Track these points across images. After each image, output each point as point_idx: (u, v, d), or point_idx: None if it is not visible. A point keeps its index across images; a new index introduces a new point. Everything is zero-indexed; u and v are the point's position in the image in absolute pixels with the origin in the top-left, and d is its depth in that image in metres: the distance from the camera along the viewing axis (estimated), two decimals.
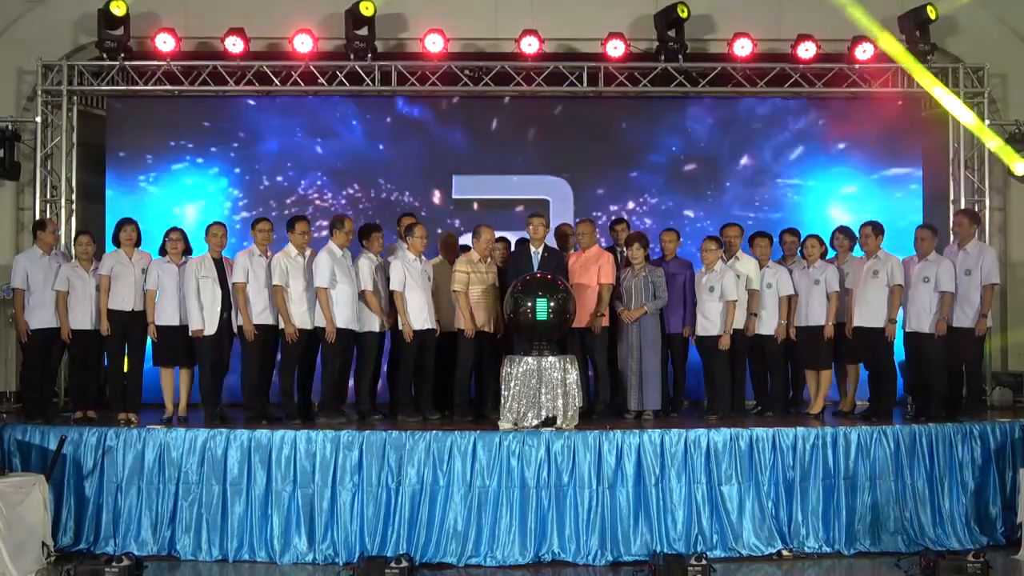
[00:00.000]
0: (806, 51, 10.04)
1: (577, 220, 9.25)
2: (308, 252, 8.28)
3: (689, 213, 10.58)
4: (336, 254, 8.20)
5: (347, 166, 10.55)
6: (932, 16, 9.83)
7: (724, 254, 8.72)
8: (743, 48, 10.01)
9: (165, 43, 9.85)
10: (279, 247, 8.37)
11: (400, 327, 8.31)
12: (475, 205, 10.50)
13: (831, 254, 8.88)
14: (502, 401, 7.70)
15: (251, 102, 10.53)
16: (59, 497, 7.37)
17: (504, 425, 7.61)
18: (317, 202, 10.46)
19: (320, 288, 8.04)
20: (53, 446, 7.41)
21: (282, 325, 8.11)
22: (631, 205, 10.51)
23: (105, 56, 9.95)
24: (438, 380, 8.57)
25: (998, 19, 10.48)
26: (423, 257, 8.51)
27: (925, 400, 8.39)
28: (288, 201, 10.44)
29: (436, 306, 8.46)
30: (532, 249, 8.57)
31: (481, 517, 7.28)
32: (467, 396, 8.47)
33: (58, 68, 9.98)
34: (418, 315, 8.31)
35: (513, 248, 9.14)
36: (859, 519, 7.50)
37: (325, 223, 9.79)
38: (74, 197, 10.13)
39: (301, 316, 8.11)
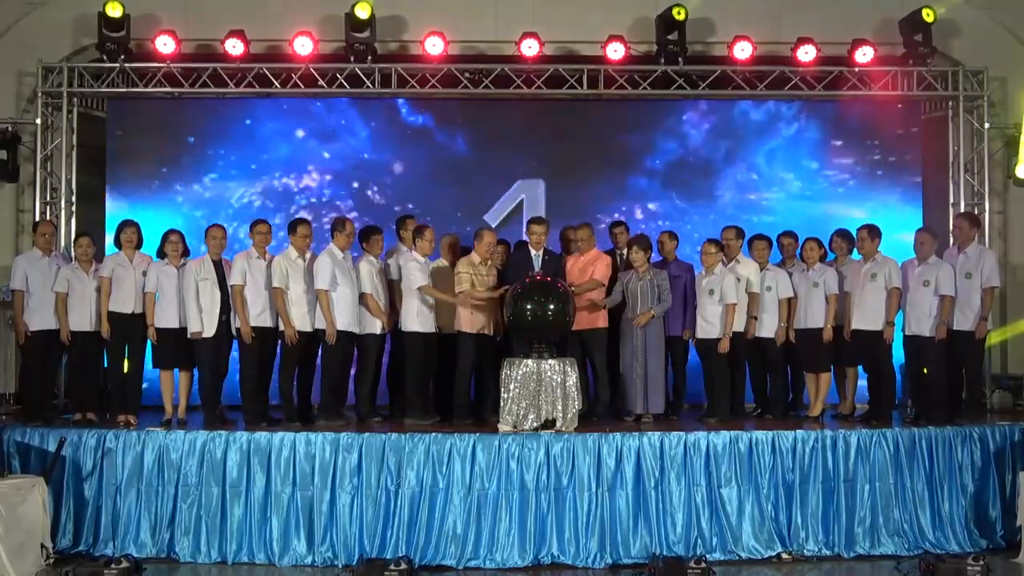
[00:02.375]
0: (806, 54, 10.04)
1: (576, 224, 9.23)
2: (308, 255, 8.28)
3: (687, 216, 10.59)
4: (337, 256, 8.20)
5: (346, 168, 10.55)
6: (928, 19, 9.83)
7: (724, 257, 8.72)
8: (743, 51, 10.02)
9: (165, 45, 9.86)
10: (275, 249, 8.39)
11: (399, 323, 8.29)
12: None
13: (830, 257, 8.88)
14: (501, 403, 7.71)
15: (252, 104, 10.53)
16: (58, 499, 7.36)
17: (503, 427, 7.61)
18: (317, 204, 10.47)
19: (321, 290, 8.04)
20: (52, 448, 7.41)
21: (281, 327, 8.10)
22: (633, 209, 10.52)
23: (105, 58, 9.96)
24: (438, 382, 8.56)
25: (998, 22, 10.49)
26: (428, 260, 8.51)
27: (924, 403, 8.39)
28: (289, 203, 10.45)
29: (436, 308, 8.45)
30: (532, 252, 8.58)
31: (480, 519, 7.27)
32: (467, 398, 8.46)
33: (58, 70, 10.00)
34: (427, 316, 8.31)
35: (513, 251, 9.14)
36: (859, 522, 7.49)
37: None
38: (74, 199, 10.13)
39: (301, 318, 8.10)
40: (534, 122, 10.58)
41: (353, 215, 9.99)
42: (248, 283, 8.09)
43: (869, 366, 8.57)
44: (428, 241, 8.42)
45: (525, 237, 9.07)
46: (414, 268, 8.32)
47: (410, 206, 10.31)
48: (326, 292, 8.04)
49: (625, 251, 8.87)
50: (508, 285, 8.13)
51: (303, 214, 10.03)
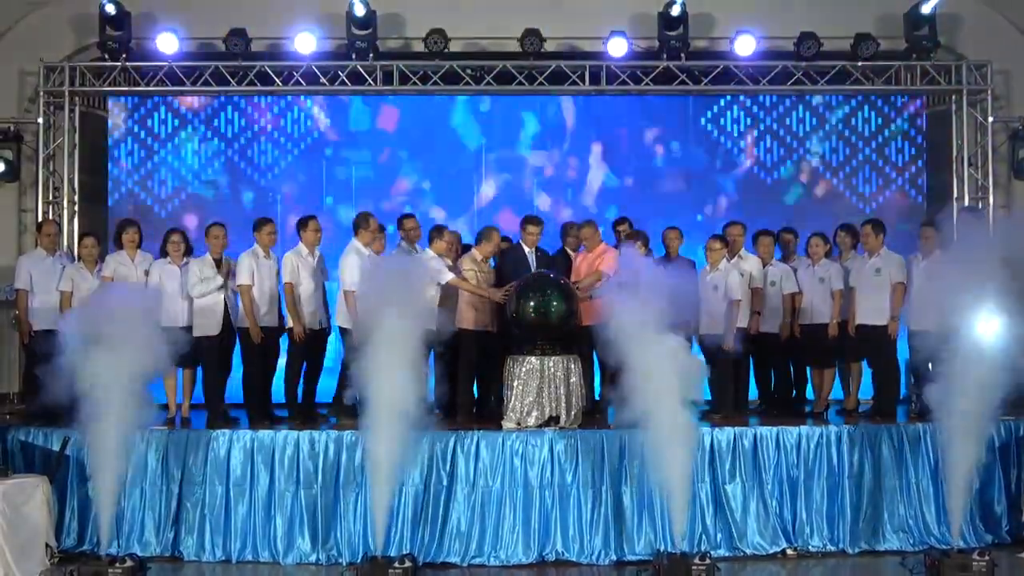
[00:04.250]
0: (809, 49, 10.01)
1: (580, 223, 9.19)
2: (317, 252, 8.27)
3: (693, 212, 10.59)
4: (364, 254, 8.10)
5: (347, 165, 10.56)
6: (925, 11, 9.78)
7: (727, 253, 8.70)
8: (745, 46, 9.99)
9: (167, 44, 9.85)
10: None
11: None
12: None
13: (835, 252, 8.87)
14: (505, 401, 7.70)
15: (254, 101, 10.55)
16: (62, 498, 7.36)
17: (507, 425, 7.60)
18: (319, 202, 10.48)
19: (349, 291, 7.86)
20: (56, 447, 7.42)
21: (287, 325, 8.08)
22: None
23: (107, 57, 9.96)
24: (440, 380, 8.55)
25: (1002, 16, 10.45)
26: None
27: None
28: (291, 201, 10.47)
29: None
30: (526, 250, 8.57)
31: (485, 517, 7.27)
32: (470, 396, 8.45)
33: (60, 69, 9.99)
34: (431, 314, 8.27)
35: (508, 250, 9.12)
36: (863, 517, 7.48)
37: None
38: (76, 198, 10.13)
39: (310, 316, 8.09)
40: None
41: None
42: (255, 283, 8.07)
43: (873, 361, 8.56)
44: (447, 242, 8.40)
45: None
46: (437, 264, 8.20)
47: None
48: (354, 293, 7.79)
49: None
50: (504, 283, 8.12)
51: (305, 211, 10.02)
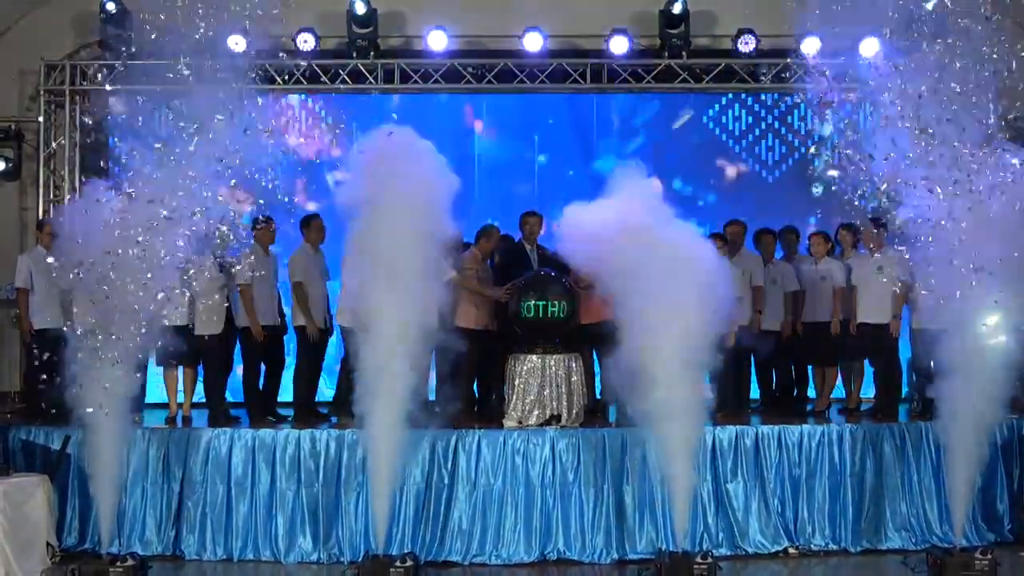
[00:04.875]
0: (810, 47, 9.97)
1: None
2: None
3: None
4: None
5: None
6: (928, 8, 9.75)
7: (728, 251, 8.69)
8: (747, 44, 9.98)
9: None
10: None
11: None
12: None
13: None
14: (506, 399, 7.69)
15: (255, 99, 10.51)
16: (63, 497, 7.35)
17: (509, 423, 7.59)
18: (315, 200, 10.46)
19: None
20: (57, 446, 7.41)
21: (290, 324, 8.08)
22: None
23: (107, 55, 9.94)
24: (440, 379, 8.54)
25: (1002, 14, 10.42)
26: None
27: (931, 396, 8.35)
28: (289, 200, 10.43)
29: None
30: (527, 247, 8.55)
31: (486, 516, 7.26)
32: (471, 394, 8.44)
33: (60, 67, 9.99)
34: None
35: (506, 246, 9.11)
36: (865, 516, 7.47)
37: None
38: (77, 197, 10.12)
39: (318, 315, 8.09)
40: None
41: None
42: (255, 282, 8.06)
43: (875, 360, 8.55)
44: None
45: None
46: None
47: None
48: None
49: None
50: (502, 281, 8.10)
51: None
